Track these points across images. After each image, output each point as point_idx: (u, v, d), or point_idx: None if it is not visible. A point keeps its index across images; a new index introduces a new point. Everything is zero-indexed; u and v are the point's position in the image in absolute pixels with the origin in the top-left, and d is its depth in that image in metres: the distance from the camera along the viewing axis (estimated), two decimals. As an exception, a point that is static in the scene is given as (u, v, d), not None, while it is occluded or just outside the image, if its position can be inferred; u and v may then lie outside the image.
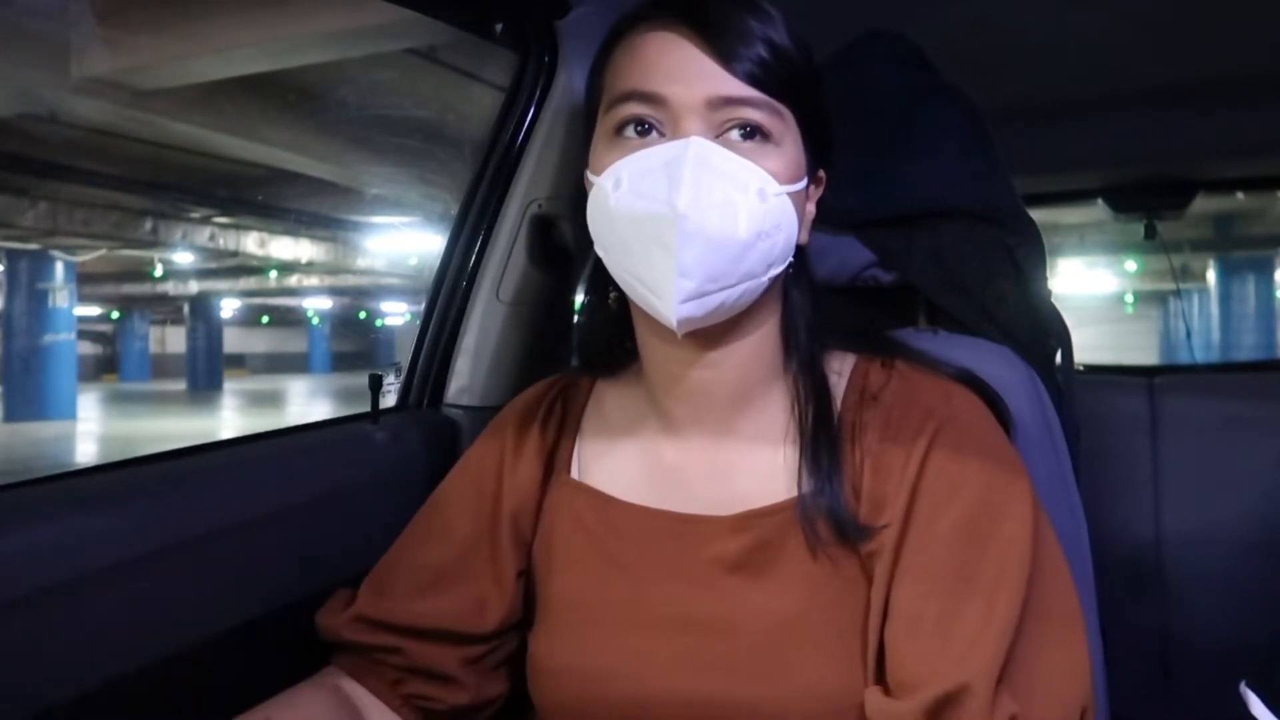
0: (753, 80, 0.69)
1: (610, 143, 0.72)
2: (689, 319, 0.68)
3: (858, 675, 0.69)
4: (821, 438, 0.73)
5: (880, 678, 0.68)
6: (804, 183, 0.74)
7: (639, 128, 0.70)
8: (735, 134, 0.70)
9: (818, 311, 0.78)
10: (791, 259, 0.74)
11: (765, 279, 0.71)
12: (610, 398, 0.85)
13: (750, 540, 0.73)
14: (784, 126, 0.71)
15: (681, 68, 0.69)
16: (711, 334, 0.73)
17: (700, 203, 0.66)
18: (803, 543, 0.71)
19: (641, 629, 0.74)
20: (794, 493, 0.73)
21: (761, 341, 0.76)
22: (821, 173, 0.78)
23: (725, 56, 0.69)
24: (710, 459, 0.77)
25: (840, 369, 0.78)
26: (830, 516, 0.70)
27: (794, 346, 0.77)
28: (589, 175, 0.74)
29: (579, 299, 1.18)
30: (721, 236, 0.66)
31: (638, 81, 0.70)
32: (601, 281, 0.79)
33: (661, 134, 0.70)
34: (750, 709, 0.69)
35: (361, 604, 0.82)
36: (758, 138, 0.70)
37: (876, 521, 0.70)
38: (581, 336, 0.87)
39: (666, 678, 0.72)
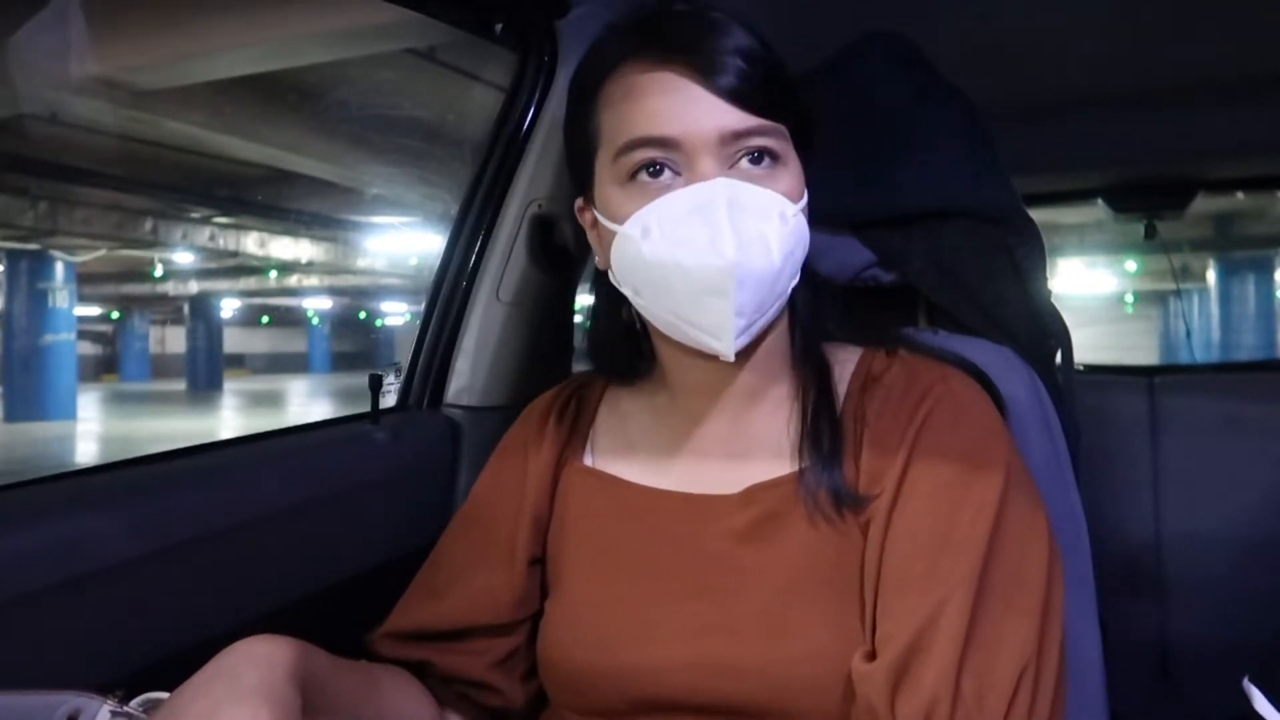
0: (755, 109, 0.71)
1: (625, 189, 0.73)
2: (740, 348, 0.72)
3: (857, 638, 0.71)
4: (823, 418, 0.76)
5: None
6: (806, 196, 0.76)
7: (652, 169, 0.72)
8: (748, 161, 0.72)
9: (821, 306, 0.82)
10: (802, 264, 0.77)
11: (788, 291, 0.75)
12: (625, 396, 0.88)
13: (757, 512, 0.75)
14: (785, 144, 0.74)
15: (688, 109, 0.71)
16: None
17: (744, 246, 0.68)
18: (805, 513, 0.74)
19: (651, 601, 0.76)
20: (797, 468, 0.76)
21: (775, 341, 0.80)
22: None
23: (726, 90, 0.70)
24: (723, 446, 0.80)
25: (846, 358, 0.81)
26: (829, 488, 0.73)
27: (799, 341, 0.81)
28: (599, 217, 0.75)
29: (581, 302, 1.18)
30: (765, 271, 0.70)
31: (646, 128, 0.71)
32: (611, 294, 0.80)
33: (676, 173, 0.72)
34: (756, 671, 0.71)
35: (394, 618, 0.85)
36: (767, 161, 0.72)
37: (873, 491, 0.73)
38: (594, 347, 0.89)
39: (674, 644, 0.73)
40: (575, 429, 0.88)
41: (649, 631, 0.75)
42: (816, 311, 0.81)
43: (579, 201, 0.79)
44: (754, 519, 0.75)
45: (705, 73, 0.71)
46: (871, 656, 0.69)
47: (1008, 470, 0.72)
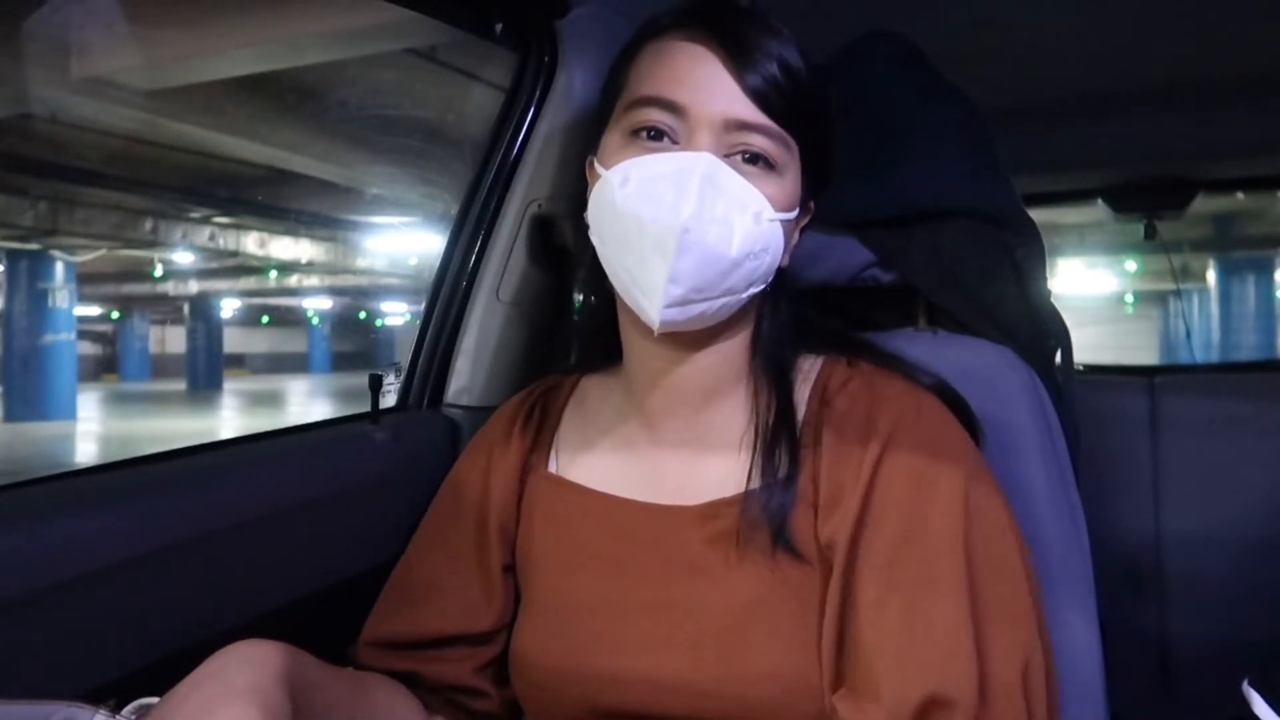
0: (769, 108, 0.72)
1: (625, 140, 0.75)
2: (669, 322, 0.72)
3: (814, 659, 0.71)
4: (778, 438, 0.76)
5: (838, 672, 0.70)
6: (796, 212, 0.77)
7: (654, 132, 0.73)
8: (741, 158, 0.73)
9: (791, 325, 0.82)
10: (770, 279, 0.77)
11: (744, 296, 0.75)
12: (593, 393, 0.89)
13: (717, 528, 0.76)
14: (788, 157, 0.75)
15: (706, 84, 0.72)
16: (689, 334, 0.77)
17: (702, 217, 0.69)
18: (766, 531, 0.74)
19: (614, 613, 0.77)
20: (754, 484, 0.76)
21: (733, 346, 0.80)
22: (812, 204, 0.82)
23: (748, 82, 0.72)
24: (681, 449, 0.80)
25: (808, 370, 0.82)
26: (773, 525, 0.73)
27: (760, 357, 0.81)
28: (596, 164, 0.77)
29: (579, 298, 1.18)
30: (716, 252, 0.70)
31: (663, 89, 0.73)
32: (599, 278, 0.81)
33: (675, 142, 0.73)
34: (713, 688, 0.71)
35: (371, 628, 0.86)
36: (762, 164, 0.73)
37: (833, 514, 0.73)
38: (581, 331, 0.91)
39: (635, 657, 0.74)
40: (540, 435, 0.88)
41: (612, 641, 0.75)
42: (783, 331, 0.81)
43: (590, 157, 0.79)
44: (715, 533, 0.75)
45: (736, 61, 0.72)
46: (836, 681, 0.69)
47: (968, 477, 0.72)
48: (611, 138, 0.76)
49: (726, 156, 0.72)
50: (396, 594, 0.87)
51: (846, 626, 0.70)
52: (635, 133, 0.74)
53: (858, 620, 0.69)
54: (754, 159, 0.73)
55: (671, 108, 0.72)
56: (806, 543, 0.73)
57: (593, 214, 0.76)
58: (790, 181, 0.75)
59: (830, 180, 0.82)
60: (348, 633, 0.86)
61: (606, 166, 0.75)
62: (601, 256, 0.77)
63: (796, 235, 0.80)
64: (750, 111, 0.72)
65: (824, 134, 0.78)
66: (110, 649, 0.74)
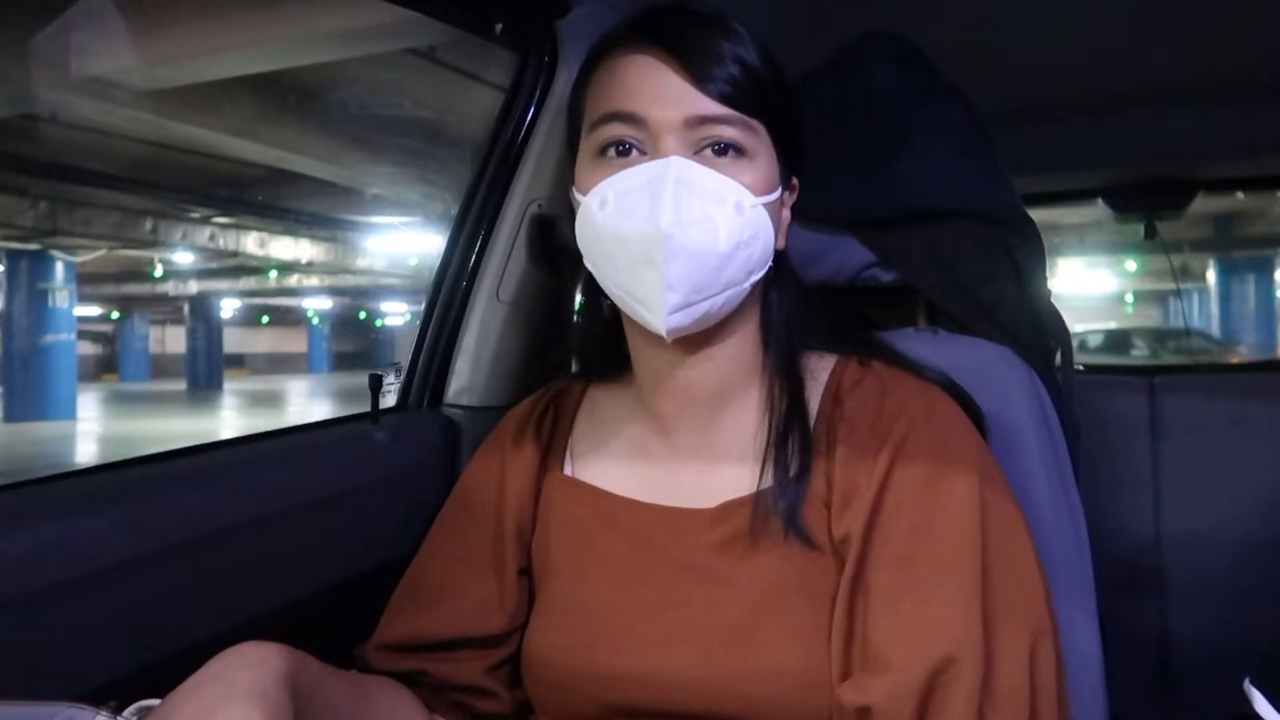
0: (725, 99, 0.73)
1: (594, 162, 0.76)
2: (677, 328, 0.73)
3: (824, 653, 0.71)
4: (790, 436, 0.77)
5: (845, 666, 0.70)
6: (778, 192, 0.77)
7: (620, 148, 0.74)
8: (711, 150, 0.73)
9: (799, 311, 0.82)
10: (771, 264, 0.78)
11: (746, 285, 0.75)
12: (603, 399, 0.89)
13: (730, 529, 0.76)
14: (757, 141, 0.75)
15: (659, 90, 0.73)
16: (696, 337, 0.77)
17: (682, 221, 0.70)
18: (778, 528, 0.74)
19: (626, 613, 0.77)
20: (767, 484, 0.76)
21: (742, 342, 0.80)
22: (795, 180, 0.82)
23: (700, 78, 0.73)
24: (695, 453, 0.81)
25: (819, 368, 0.82)
26: (785, 514, 0.74)
27: (772, 346, 0.81)
28: (575, 193, 0.78)
29: (578, 300, 1.18)
30: (703, 250, 0.71)
31: (619, 104, 0.74)
32: (597, 288, 0.82)
33: (642, 152, 0.74)
34: (723, 684, 0.72)
35: (382, 630, 0.86)
36: (732, 153, 0.74)
37: (846, 511, 0.73)
38: (579, 341, 0.91)
39: (646, 655, 0.75)
40: (554, 438, 0.89)
41: (624, 640, 0.76)
42: (791, 317, 0.81)
43: (573, 192, 0.80)
44: (728, 534, 0.76)
45: (683, 60, 0.73)
46: (845, 675, 0.69)
47: (981, 476, 0.72)
48: (583, 162, 0.77)
49: (696, 153, 0.73)
50: (409, 597, 0.87)
51: (856, 620, 0.70)
52: (602, 150, 0.75)
53: (870, 614, 0.69)
54: (724, 149, 0.73)
55: (632, 119, 0.73)
56: (820, 535, 0.74)
57: (580, 240, 0.77)
58: (765, 164, 0.75)
59: (807, 155, 0.82)
60: (349, 633, 0.86)
61: (583, 192, 0.75)
62: (598, 278, 0.77)
63: (787, 214, 0.81)
64: (708, 106, 0.72)
65: (789, 114, 0.78)
66: (110, 649, 0.74)
